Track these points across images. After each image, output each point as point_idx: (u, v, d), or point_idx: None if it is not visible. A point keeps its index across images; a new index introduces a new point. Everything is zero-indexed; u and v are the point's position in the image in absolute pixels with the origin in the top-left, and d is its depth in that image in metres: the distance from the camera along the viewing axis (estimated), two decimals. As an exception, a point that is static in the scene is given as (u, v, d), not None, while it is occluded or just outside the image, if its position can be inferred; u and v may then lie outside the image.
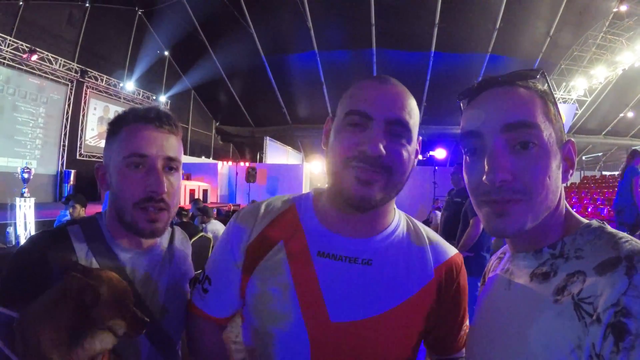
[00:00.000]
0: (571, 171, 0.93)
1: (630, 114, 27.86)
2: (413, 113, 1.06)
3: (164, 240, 1.36)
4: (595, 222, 0.87)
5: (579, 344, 0.71)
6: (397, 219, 1.18)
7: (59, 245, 1.14)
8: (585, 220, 0.90)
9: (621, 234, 0.81)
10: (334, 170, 1.06)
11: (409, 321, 1.09)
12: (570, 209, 0.94)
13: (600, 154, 27.90)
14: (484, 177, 0.86)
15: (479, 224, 4.67)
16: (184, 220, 6.63)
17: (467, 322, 1.21)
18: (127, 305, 0.99)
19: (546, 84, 0.94)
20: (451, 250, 1.20)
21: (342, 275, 1.08)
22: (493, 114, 0.89)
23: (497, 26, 21.54)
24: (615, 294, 0.69)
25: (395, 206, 1.20)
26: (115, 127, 1.22)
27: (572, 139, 0.94)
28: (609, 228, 0.85)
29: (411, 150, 1.07)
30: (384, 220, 1.15)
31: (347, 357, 1.05)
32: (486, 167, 0.86)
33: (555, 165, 0.87)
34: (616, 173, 21.94)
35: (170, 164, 1.21)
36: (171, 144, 1.22)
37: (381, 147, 0.99)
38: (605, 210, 12.21)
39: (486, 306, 1.03)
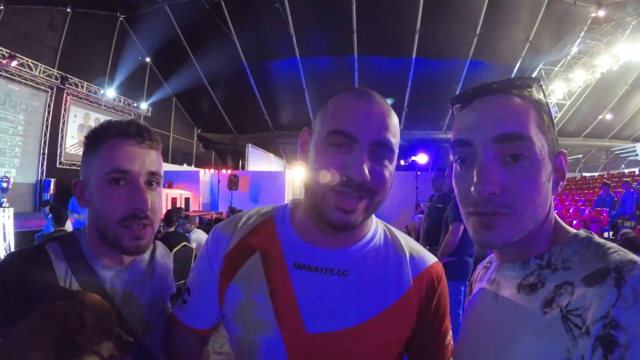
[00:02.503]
0: (561, 183, 0.91)
1: (608, 116, 28.41)
2: (396, 131, 1.04)
3: (145, 256, 1.34)
4: (582, 232, 0.86)
5: (567, 357, 0.70)
6: (374, 228, 1.17)
7: (38, 264, 1.11)
8: (573, 230, 0.89)
9: (609, 244, 0.80)
10: (315, 191, 1.03)
11: (387, 331, 1.08)
12: (558, 219, 0.93)
13: (580, 156, 28.34)
14: (472, 189, 0.85)
15: (459, 229, 4.68)
16: (171, 229, 6.58)
17: (450, 334, 1.19)
18: (111, 326, 0.97)
19: (541, 93, 0.92)
20: (430, 259, 1.18)
21: (318, 286, 1.07)
22: (485, 124, 0.87)
23: (478, 32, 21.84)
24: (605, 306, 0.68)
25: (372, 215, 1.18)
26: (94, 142, 1.18)
27: (564, 150, 0.93)
28: (597, 238, 0.83)
29: (392, 169, 1.06)
30: (360, 231, 1.14)
31: None
32: (475, 179, 0.85)
33: (545, 178, 0.86)
34: (596, 174, 22.29)
35: (152, 179, 1.19)
36: (152, 159, 1.20)
37: (366, 171, 0.97)
38: (587, 211, 12.36)
39: (473, 318, 1.02)
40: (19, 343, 0.87)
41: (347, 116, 1.01)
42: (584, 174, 23.83)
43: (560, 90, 23.68)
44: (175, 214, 6.97)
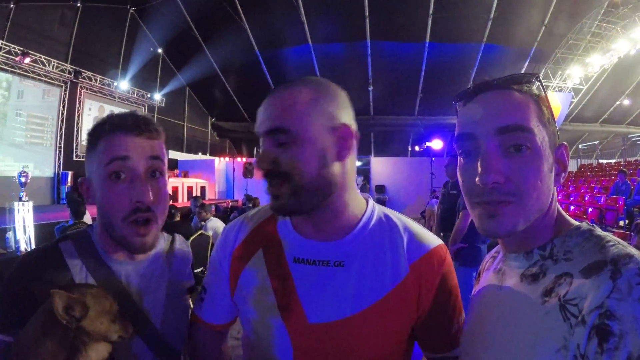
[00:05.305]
0: (563, 174, 0.94)
1: (626, 102, 27.85)
2: (297, 114, 1.05)
3: (163, 247, 1.35)
4: (585, 225, 0.89)
5: (564, 344, 0.73)
6: (369, 215, 1.17)
7: (52, 264, 1.12)
8: (575, 223, 0.92)
9: (609, 236, 0.82)
10: None
11: (387, 319, 1.09)
12: (562, 211, 0.95)
13: (596, 142, 27.97)
14: (477, 179, 0.87)
15: (468, 217, 4.70)
16: (176, 220, 6.52)
17: (461, 318, 1.19)
18: (112, 310, 0.99)
19: (541, 88, 0.95)
20: (431, 242, 1.16)
21: (317, 278, 1.11)
22: (487, 117, 0.90)
23: (492, 15, 21.50)
24: (600, 297, 0.70)
25: (365, 201, 1.21)
26: (94, 139, 1.17)
27: (565, 143, 0.95)
28: (598, 231, 0.86)
29: (311, 150, 1.04)
30: (352, 220, 1.15)
31: (328, 356, 1.08)
32: (479, 169, 0.87)
33: (547, 168, 0.89)
34: (613, 161, 22.01)
35: (154, 167, 1.17)
36: (153, 147, 1.18)
37: (267, 159, 1.04)
38: (602, 199, 12.23)
39: (478, 305, 1.05)
40: (29, 340, 0.90)
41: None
42: (601, 161, 23.50)
43: (577, 74, 23.29)
44: (173, 209, 6.94)
